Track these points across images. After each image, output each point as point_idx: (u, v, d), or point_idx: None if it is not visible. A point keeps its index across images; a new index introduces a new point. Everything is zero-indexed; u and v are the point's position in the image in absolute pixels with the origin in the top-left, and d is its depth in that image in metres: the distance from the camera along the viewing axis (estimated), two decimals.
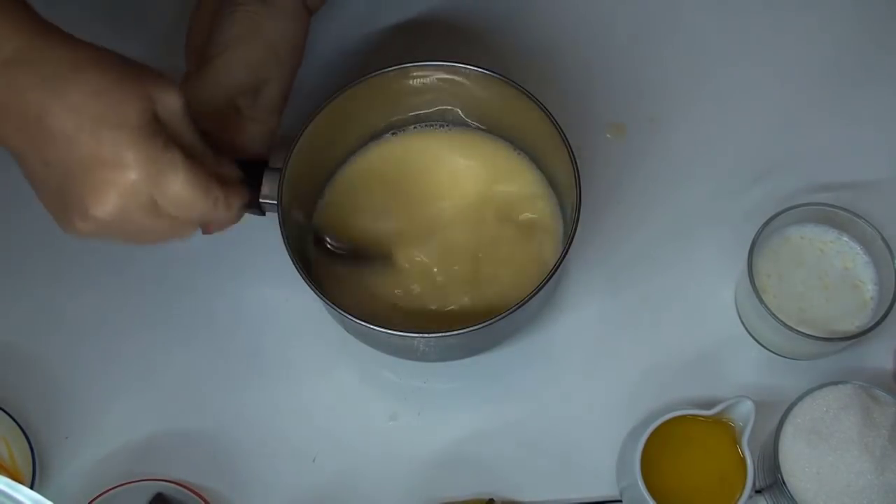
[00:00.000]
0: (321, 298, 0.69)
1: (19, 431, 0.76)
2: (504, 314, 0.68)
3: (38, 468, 0.75)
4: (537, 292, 0.68)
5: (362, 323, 0.69)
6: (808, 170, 0.83)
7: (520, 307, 0.68)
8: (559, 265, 0.69)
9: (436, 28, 0.89)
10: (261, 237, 0.80)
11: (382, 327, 0.69)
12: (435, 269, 0.76)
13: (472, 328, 0.68)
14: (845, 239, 0.76)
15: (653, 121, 0.86)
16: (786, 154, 0.84)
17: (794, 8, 0.89)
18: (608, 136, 0.85)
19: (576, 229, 0.70)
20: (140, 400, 0.79)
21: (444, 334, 0.68)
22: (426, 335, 0.69)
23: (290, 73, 0.73)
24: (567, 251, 0.70)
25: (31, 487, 0.71)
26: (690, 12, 0.89)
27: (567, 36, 0.88)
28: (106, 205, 0.59)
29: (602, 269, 0.82)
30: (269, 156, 0.74)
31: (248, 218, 0.83)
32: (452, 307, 0.76)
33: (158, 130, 0.60)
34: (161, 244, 0.67)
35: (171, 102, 0.61)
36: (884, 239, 0.74)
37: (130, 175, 0.59)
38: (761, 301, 0.73)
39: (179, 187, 0.61)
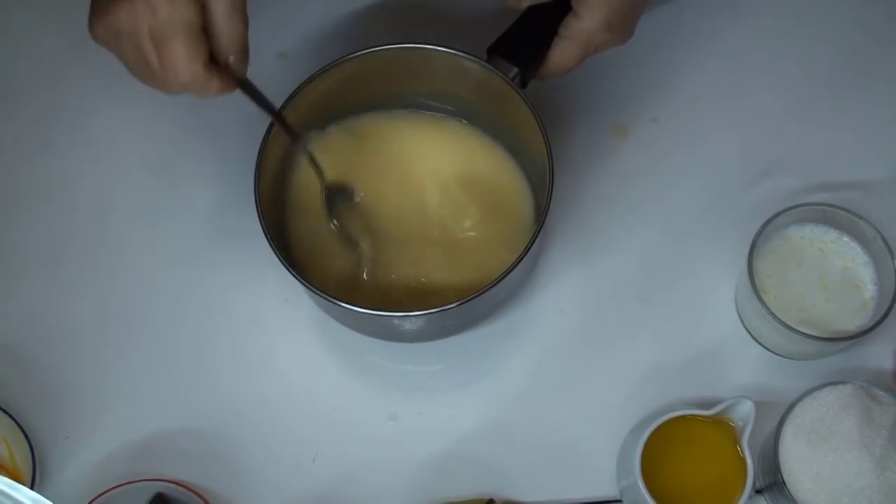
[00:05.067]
0: (294, 276, 0.69)
1: (19, 431, 0.76)
2: (484, 289, 0.68)
3: (38, 468, 0.75)
4: (511, 271, 0.69)
5: (337, 302, 0.68)
6: (808, 170, 0.83)
7: (495, 284, 0.68)
8: (535, 237, 0.69)
9: (432, 16, 0.90)
10: (261, 239, 0.80)
11: (356, 305, 0.68)
12: (409, 249, 0.77)
13: (445, 307, 0.68)
14: (845, 239, 0.76)
15: (654, 121, 0.86)
16: (786, 154, 0.84)
17: (795, 8, 0.89)
18: (610, 137, 0.85)
19: (550, 201, 0.70)
20: (140, 400, 0.79)
21: (416, 314, 0.69)
22: (402, 314, 0.69)
23: None
24: (542, 224, 0.70)
25: (31, 487, 0.71)
26: (691, 13, 0.89)
27: None
28: (116, 14, 0.62)
29: (602, 268, 0.82)
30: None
31: (250, 221, 0.83)
32: (426, 287, 0.76)
33: None
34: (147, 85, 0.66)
35: None
36: (884, 239, 0.74)
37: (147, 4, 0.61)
38: (761, 301, 0.73)
39: (175, 48, 0.62)
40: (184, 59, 0.63)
